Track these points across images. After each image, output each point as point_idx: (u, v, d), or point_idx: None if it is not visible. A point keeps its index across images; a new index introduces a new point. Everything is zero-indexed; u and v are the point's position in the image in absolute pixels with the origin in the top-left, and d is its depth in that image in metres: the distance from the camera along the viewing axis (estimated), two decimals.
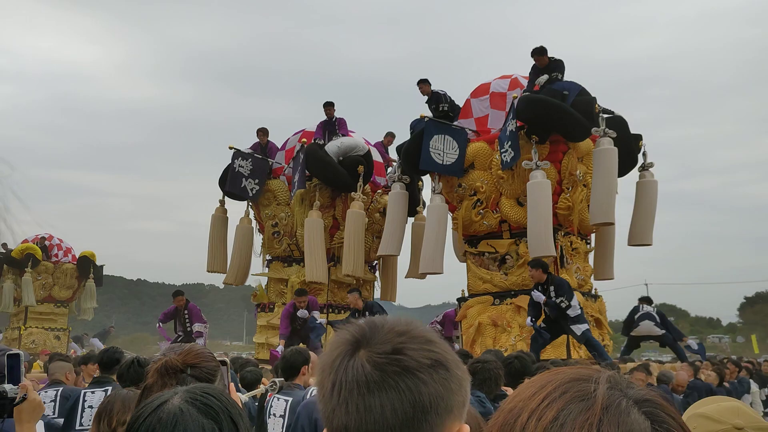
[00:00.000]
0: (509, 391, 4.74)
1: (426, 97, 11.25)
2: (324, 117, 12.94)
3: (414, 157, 10.50)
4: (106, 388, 4.34)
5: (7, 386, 2.04)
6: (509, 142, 9.65)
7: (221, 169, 13.20)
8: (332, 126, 12.82)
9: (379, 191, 13.37)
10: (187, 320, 12.18)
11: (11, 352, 2.06)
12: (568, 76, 10.14)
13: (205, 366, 1.76)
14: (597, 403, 0.68)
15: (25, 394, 2.05)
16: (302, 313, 10.90)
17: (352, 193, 12.02)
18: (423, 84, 11.32)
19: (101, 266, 22.50)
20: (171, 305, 12.47)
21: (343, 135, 12.77)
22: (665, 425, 0.69)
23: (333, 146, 12.37)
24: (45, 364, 8.02)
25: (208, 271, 13.24)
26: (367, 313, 10.70)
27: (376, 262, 13.19)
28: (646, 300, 12.02)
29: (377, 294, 13.64)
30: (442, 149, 10.34)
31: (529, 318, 8.80)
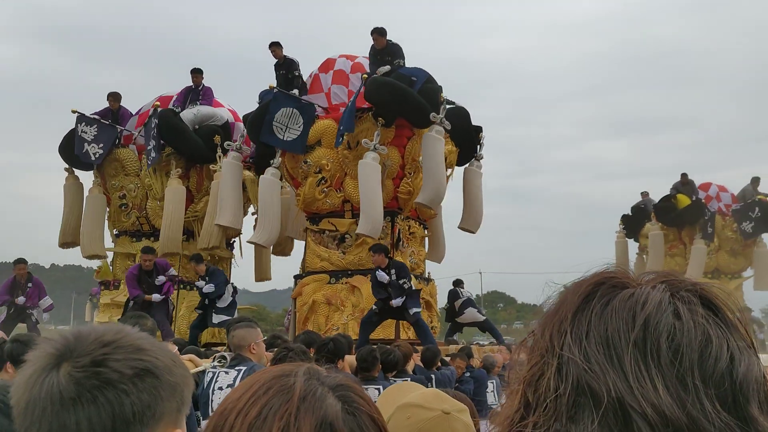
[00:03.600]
0: None
1: (276, 61, 10.76)
2: (190, 83, 12.15)
3: (258, 129, 10.17)
4: None
5: None
6: (346, 115, 9.65)
7: (58, 137, 12.07)
8: (196, 94, 12.05)
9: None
10: (29, 294, 11.06)
11: None
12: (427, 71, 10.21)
13: None
14: (295, 394, 0.75)
15: None
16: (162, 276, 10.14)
17: (212, 165, 11.32)
18: (275, 47, 10.77)
19: None
20: (9, 277, 11.20)
21: (205, 104, 12.01)
22: (355, 404, 0.78)
23: (189, 114, 11.66)
24: None
25: (60, 246, 12.09)
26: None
27: (234, 239, 12.51)
28: (459, 283, 12.32)
29: (235, 272, 12.87)
30: (286, 123, 10.09)
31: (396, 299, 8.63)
